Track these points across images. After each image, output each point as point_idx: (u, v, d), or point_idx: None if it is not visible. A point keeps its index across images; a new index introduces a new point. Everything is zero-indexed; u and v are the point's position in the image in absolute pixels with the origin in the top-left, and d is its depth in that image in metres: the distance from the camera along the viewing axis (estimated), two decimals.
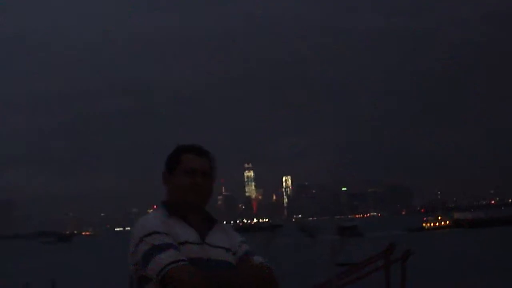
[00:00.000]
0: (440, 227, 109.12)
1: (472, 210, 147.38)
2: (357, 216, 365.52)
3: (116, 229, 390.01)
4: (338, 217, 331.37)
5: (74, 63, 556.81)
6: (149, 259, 3.04)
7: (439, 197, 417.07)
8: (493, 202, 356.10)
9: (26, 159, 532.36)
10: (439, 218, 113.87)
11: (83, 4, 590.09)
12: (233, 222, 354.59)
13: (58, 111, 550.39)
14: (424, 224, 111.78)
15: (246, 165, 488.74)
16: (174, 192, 3.32)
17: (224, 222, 3.58)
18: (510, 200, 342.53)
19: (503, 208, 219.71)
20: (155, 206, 3.46)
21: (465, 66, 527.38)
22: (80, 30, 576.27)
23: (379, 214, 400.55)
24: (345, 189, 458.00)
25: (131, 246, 3.14)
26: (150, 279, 3.06)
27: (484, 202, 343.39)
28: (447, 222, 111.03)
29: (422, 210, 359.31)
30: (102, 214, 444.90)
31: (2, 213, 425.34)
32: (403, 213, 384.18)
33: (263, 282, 3.15)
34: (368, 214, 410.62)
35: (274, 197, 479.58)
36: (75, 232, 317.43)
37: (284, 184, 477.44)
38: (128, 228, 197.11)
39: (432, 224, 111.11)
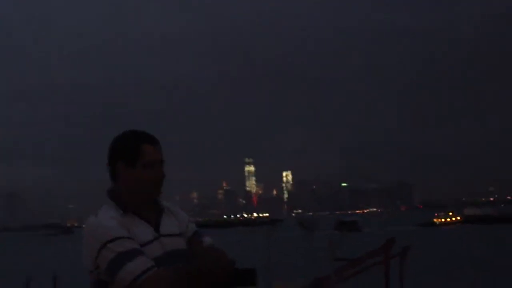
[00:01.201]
0: (450, 222, 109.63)
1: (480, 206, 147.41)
2: (357, 211, 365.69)
3: None
4: (338, 212, 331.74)
5: (74, 57, 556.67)
6: (118, 267, 2.96)
7: (451, 192, 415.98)
8: (491, 199, 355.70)
9: (30, 151, 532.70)
10: (450, 214, 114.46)
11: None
12: (233, 216, 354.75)
13: (59, 103, 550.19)
14: (435, 220, 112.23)
15: (247, 160, 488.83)
16: (135, 186, 3.12)
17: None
18: (508, 197, 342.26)
19: (502, 205, 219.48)
20: None
21: (464, 64, 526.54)
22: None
23: (379, 210, 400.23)
24: (345, 184, 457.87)
25: (90, 250, 3.03)
26: (108, 284, 3.02)
27: (484, 199, 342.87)
28: (458, 218, 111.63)
29: (420, 206, 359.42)
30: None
31: (7, 205, 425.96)
32: (403, 209, 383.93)
33: (224, 269, 3.13)
34: (367, 210, 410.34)
35: (275, 192, 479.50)
36: (76, 224, 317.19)
37: (284, 179, 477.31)
38: None
39: (443, 220, 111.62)
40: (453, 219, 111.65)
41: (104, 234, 3.00)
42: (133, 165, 3.11)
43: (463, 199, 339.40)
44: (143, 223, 3.12)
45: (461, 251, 49.55)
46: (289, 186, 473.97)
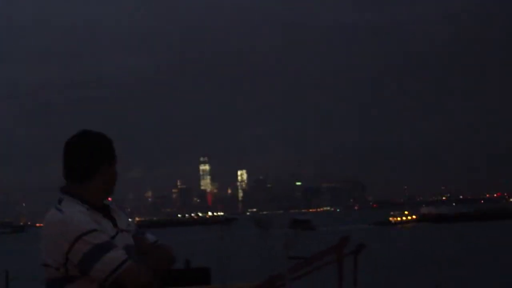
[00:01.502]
0: (406, 221, 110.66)
1: (434, 206, 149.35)
2: (311, 210, 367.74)
3: None
4: (292, 211, 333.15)
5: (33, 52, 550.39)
6: (96, 259, 2.99)
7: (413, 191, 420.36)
8: (444, 198, 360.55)
9: None
10: (406, 212, 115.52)
11: None
12: (188, 215, 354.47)
13: (14, 100, 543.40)
14: (390, 218, 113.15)
15: (201, 159, 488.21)
16: (111, 183, 3.25)
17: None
18: (460, 197, 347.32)
19: (454, 204, 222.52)
20: None
21: (425, 63, 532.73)
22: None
23: (333, 209, 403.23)
24: (299, 183, 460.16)
25: (58, 245, 3.04)
26: (75, 279, 3.04)
27: (435, 198, 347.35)
28: (413, 216, 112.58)
29: (374, 205, 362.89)
30: None
31: None
32: (356, 208, 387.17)
33: (173, 261, 3.23)
34: (321, 209, 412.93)
35: (229, 191, 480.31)
36: (29, 223, 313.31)
37: (239, 178, 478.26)
38: None
39: (398, 218, 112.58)
40: (409, 218, 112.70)
41: (78, 227, 3.03)
42: (115, 163, 3.27)
43: (418, 199, 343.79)
44: (105, 219, 3.17)
45: (418, 249, 50.17)
46: (244, 184, 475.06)
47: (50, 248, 3.07)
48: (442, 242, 55.97)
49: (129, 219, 3.37)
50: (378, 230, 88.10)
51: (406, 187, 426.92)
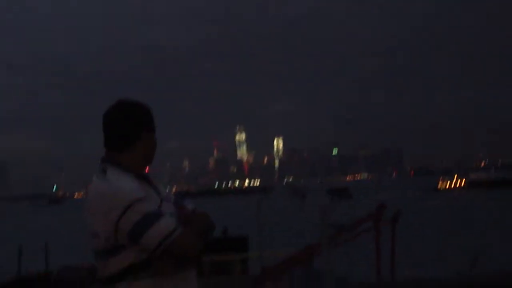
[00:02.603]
0: (455, 188, 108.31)
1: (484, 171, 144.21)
2: (347, 178, 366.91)
3: None
4: (328, 179, 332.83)
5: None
6: (146, 228, 2.98)
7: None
8: (482, 164, 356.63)
9: (18, 120, 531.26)
10: (455, 179, 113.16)
11: None
12: (225, 184, 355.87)
13: (47, 72, 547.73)
14: (439, 185, 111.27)
15: (238, 127, 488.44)
16: (151, 152, 3.23)
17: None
18: (499, 162, 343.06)
19: (493, 170, 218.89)
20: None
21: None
22: None
23: (370, 176, 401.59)
24: (336, 151, 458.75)
25: (107, 214, 3.02)
26: (125, 248, 3.03)
27: (474, 165, 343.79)
28: (463, 183, 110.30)
29: (412, 173, 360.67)
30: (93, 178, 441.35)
31: None
32: (394, 175, 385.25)
33: (213, 229, 3.18)
34: (358, 177, 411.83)
35: (266, 160, 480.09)
36: (67, 194, 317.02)
37: (275, 146, 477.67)
38: None
39: (447, 185, 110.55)
40: (458, 184, 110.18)
41: (127, 195, 3.02)
42: (154, 130, 3.23)
43: (451, 164, 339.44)
44: (150, 188, 3.14)
45: (468, 215, 49.31)
46: (280, 153, 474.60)
47: (99, 218, 3.05)
48: (492, 209, 54.87)
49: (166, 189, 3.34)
50: (426, 197, 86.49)
51: (440, 155, 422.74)
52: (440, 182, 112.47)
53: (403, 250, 20.36)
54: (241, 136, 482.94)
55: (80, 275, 24.38)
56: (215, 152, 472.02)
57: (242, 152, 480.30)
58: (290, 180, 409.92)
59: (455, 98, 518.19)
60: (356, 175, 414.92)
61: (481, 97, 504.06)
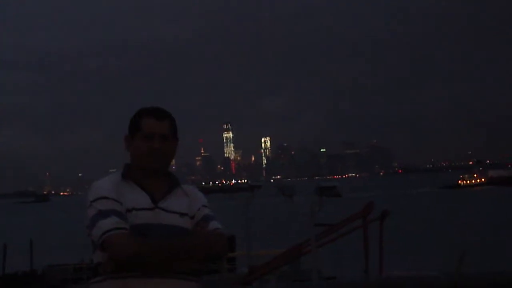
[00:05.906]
0: (475, 184, 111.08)
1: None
2: (335, 177, 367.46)
3: None
4: (316, 178, 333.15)
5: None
6: (94, 224, 3.07)
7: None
8: (471, 162, 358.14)
9: (5, 117, 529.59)
10: (475, 175, 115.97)
11: None
12: (212, 182, 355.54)
13: (37, 69, 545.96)
14: (460, 182, 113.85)
15: (225, 126, 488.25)
16: (134, 156, 3.31)
17: (193, 185, 3.58)
18: (487, 161, 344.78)
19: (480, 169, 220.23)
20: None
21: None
22: None
23: (358, 175, 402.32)
24: (324, 150, 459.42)
25: (85, 209, 3.17)
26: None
27: (462, 163, 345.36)
28: (483, 179, 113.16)
29: (400, 171, 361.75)
30: (79, 175, 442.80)
31: None
32: (382, 174, 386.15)
33: (211, 251, 3.15)
34: (346, 175, 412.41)
35: (253, 158, 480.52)
36: (53, 192, 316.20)
37: (263, 145, 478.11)
38: None
39: (468, 182, 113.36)
40: (478, 180, 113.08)
41: (93, 193, 3.15)
42: (133, 136, 3.32)
43: (442, 164, 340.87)
44: (140, 192, 3.22)
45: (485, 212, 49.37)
46: (267, 152, 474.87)
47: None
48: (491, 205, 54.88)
49: (203, 206, 3.32)
50: (447, 193, 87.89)
51: (428, 153, 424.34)
52: (460, 180, 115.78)
53: (394, 248, 20.36)
54: (228, 134, 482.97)
55: (65, 274, 24.34)
56: (201, 150, 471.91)
57: (229, 151, 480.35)
58: (278, 178, 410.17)
59: (440, 96, 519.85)
60: (343, 175, 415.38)
61: (468, 94, 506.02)
